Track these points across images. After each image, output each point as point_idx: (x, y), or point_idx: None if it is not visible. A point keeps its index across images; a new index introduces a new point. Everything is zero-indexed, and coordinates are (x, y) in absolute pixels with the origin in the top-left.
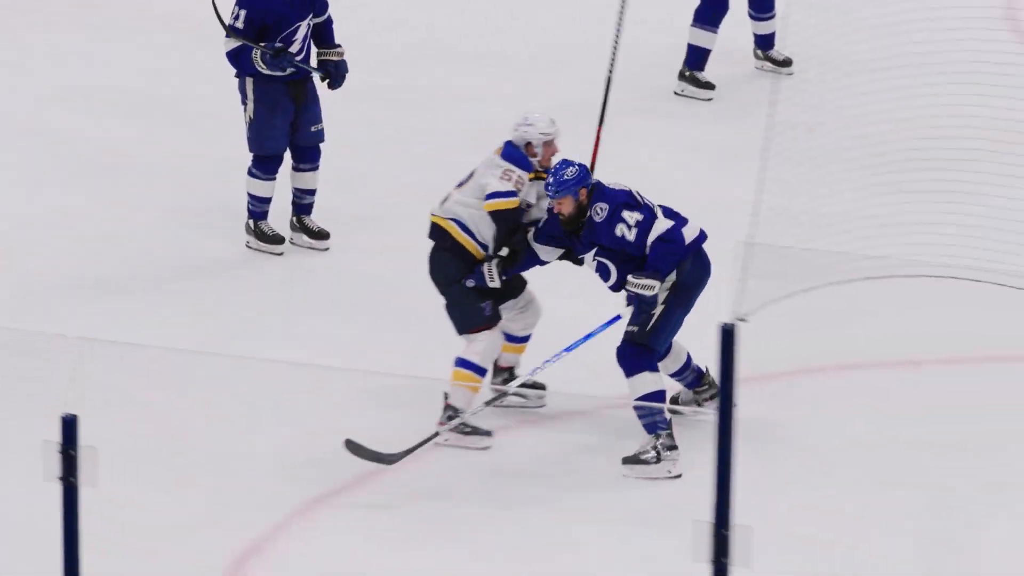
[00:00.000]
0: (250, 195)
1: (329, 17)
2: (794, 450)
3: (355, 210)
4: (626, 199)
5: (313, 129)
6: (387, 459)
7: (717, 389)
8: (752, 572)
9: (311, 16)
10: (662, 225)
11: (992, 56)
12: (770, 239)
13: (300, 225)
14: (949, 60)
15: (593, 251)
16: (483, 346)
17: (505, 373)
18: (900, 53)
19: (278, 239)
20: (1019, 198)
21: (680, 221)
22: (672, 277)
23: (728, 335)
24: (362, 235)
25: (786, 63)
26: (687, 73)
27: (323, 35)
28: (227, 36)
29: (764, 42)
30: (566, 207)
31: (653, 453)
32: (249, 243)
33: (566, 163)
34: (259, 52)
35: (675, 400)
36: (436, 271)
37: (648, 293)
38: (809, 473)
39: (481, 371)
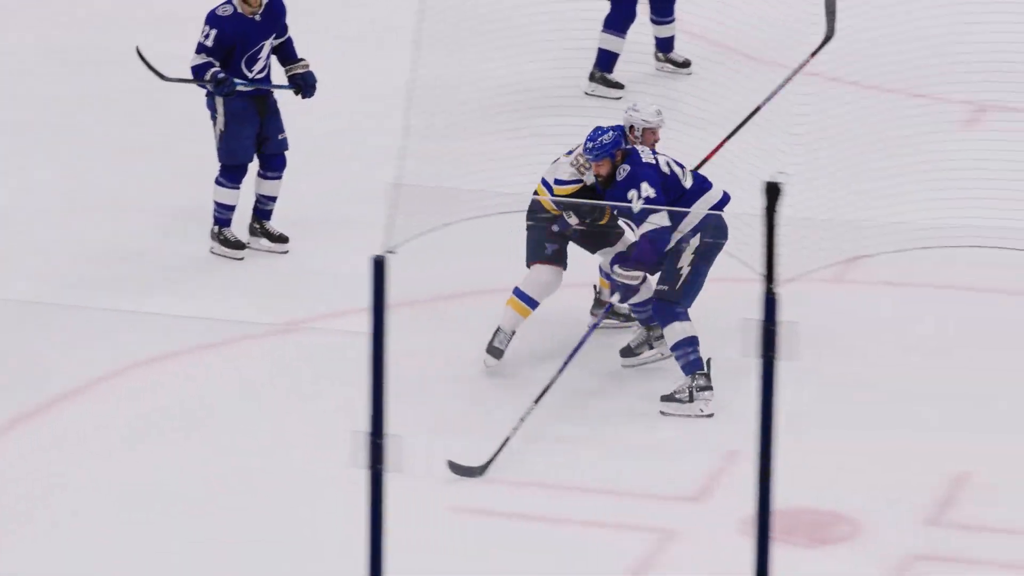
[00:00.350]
0: (217, 203)
1: (289, 37)
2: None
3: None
4: (652, 173)
5: (280, 137)
6: (475, 472)
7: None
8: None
9: (273, 37)
10: (657, 221)
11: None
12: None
13: (262, 230)
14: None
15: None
16: (538, 279)
17: (603, 306)
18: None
19: (240, 245)
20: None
21: (692, 196)
22: (696, 241)
23: (379, 266)
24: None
25: (685, 64)
26: (597, 75)
27: (286, 53)
28: (195, 52)
29: (664, 45)
30: (604, 168)
31: (687, 393)
32: (213, 248)
33: (601, 129)
34: (211, 72)
35: (628, 348)
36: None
37: (634, 283)
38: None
39: (532, 303)
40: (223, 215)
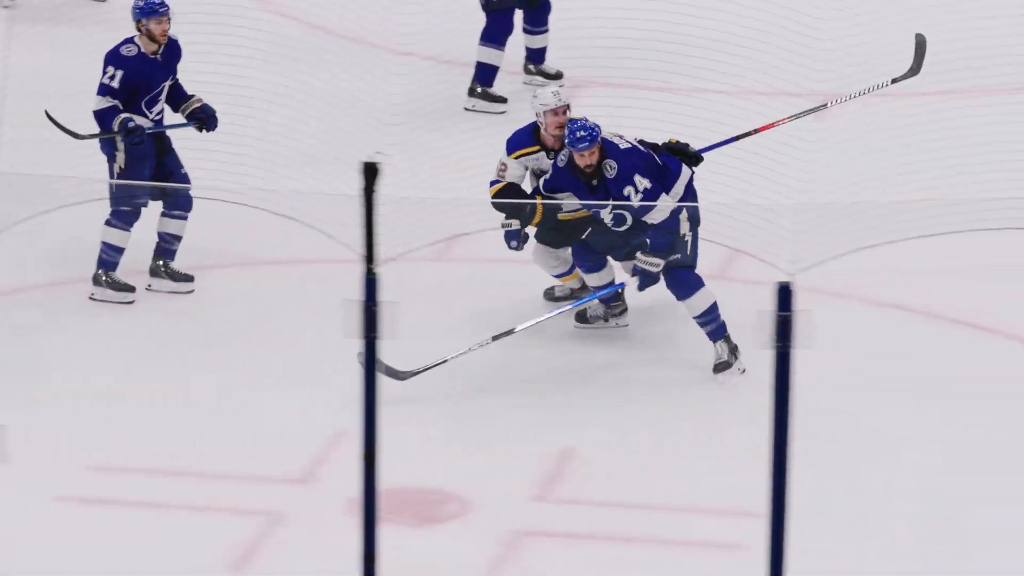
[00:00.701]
0: (108, 245)
1: (176, 78)
2: None
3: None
4: (638, 162)
5: (182, 172)
6: (401, 375)
7: (626, 306)
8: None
9: (171, 77)
10: (665, 209)
11: None
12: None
13: (165, 270)
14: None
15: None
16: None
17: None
18: None
19: (129, 288)
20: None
21: (671, 179)
22: (686, 213)
23: None
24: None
25: (557, 75)
26: (478, 89)
27: (177, 92)
28: (96, 94)
29: (536, 56)
30: (593, 157)
31: (729, 356)
32: (94, 295)
33: (576, 121)
34: (121, 119)
35: (583, 314)
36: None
37: (655, 270)
38: None
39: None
40: (112, 258)
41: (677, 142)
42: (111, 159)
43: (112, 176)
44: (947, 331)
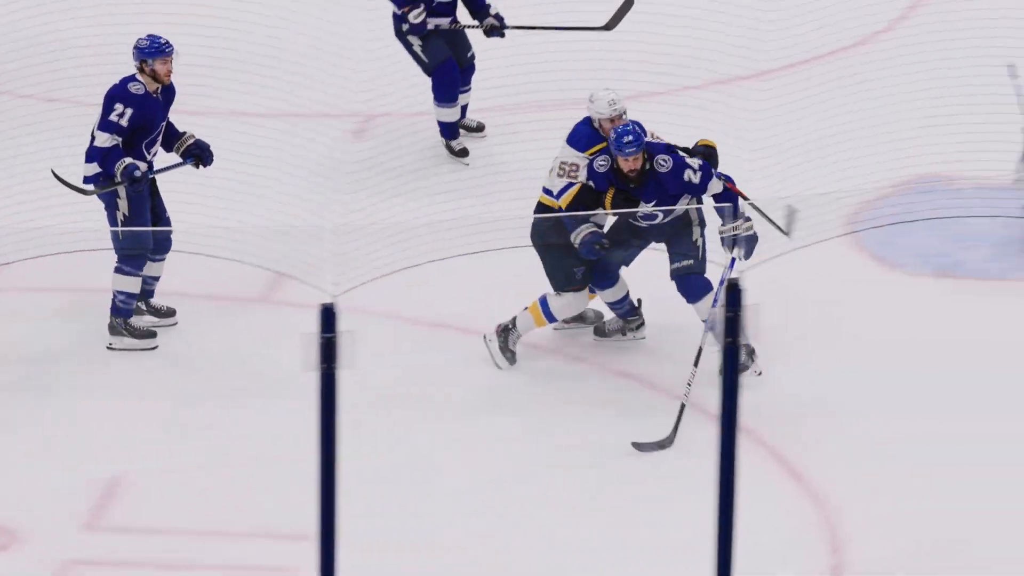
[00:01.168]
0: (122, 293)
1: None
2: None
3: None
4: (679, 155)
5: (167, 216)
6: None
7: (643, 320)
8: None
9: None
10: (717, 183)
11: None
12: None
13: (148, 308)
14: None
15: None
16: (564, 303)
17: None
18: None
19: (151, 334)
20: None
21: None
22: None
23: None
24: None
25: (479, 128)
26: (445, 143)
27: (170, 131)
28: (100, 130)
29: (448, 131)
30: (638, 162)
31: (746, 358)
32: (113, 344)
33: (628, 124)
34: (124, 164)
35: (602, 328)
36: (536, 235)
37: (750, 232)
38: None
39: (552, 318)
40: (127, 305)
41: (706, 144)
42: (112, 207)
43: (115, 223)
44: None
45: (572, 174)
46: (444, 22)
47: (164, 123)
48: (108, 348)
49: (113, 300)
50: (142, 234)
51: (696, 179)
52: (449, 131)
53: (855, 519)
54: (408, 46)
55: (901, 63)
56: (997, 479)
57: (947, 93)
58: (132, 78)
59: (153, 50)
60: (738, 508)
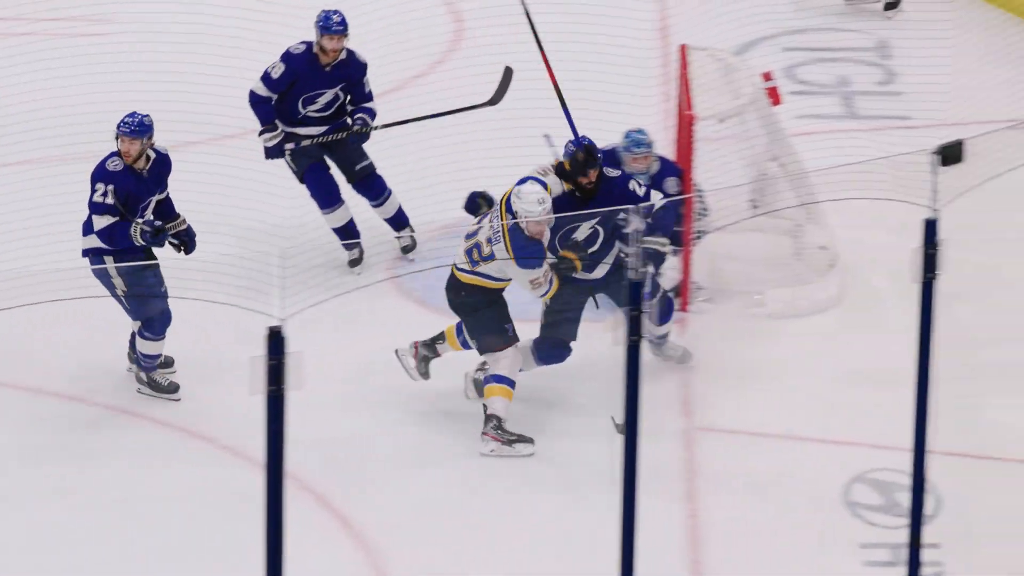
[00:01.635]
0: (146, 355)
1: (168, 194)
2: None
3: None
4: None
5: (164, 288)
6: None
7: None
8: None
9: (158, 192)
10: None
11: None
12: None
13: (149, 380)
14: None
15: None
16: (508, 361)
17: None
18: None
19: (173, 387)
20: None
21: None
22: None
23: None
24: None
25: (406, 248)
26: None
27: (166, 209)
28: (93, 214)
29: (398, 221)
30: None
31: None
32: (141, 390)
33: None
34: (138, 229)
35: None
36: (459, 305)
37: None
38: None
39: (512, 383)
40: (151, 363)
41: None
42: (109, 286)
43: (121, 300)
44: None
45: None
46: (315, 132)
47: (155, 196)
48: (138, 392)
49: (137, 356)
50: (150, 302)
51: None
52: (339, 235)
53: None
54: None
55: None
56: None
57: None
58: (112, 155)
59: (123, 129)
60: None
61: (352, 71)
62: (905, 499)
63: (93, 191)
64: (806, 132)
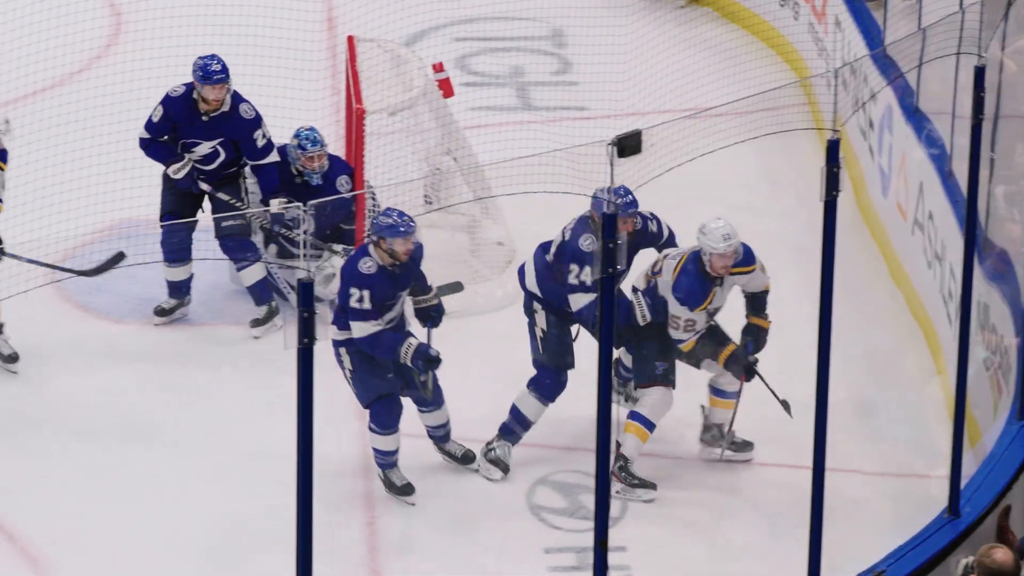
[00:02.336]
0: (378, 452)
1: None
2: None
3: None
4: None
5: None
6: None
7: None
8: None
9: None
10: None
11: None
12: None
13: (442, 451)
14: None
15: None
16: (652, 400)
17: (714, 429)
18: None
19: (408, 489)
20: None
21: None
22: None
23: None
24: None
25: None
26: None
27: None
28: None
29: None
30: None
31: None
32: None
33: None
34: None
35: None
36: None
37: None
38: None
39: (650, 425)
40: (387, 460)
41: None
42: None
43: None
44: None
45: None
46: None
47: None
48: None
49: (375, 454)
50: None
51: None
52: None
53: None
54: None
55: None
56: None
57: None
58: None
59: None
60: None
61: (234, 128)
62: (590, 501)
63: (347, 295)
64: (480, 125)
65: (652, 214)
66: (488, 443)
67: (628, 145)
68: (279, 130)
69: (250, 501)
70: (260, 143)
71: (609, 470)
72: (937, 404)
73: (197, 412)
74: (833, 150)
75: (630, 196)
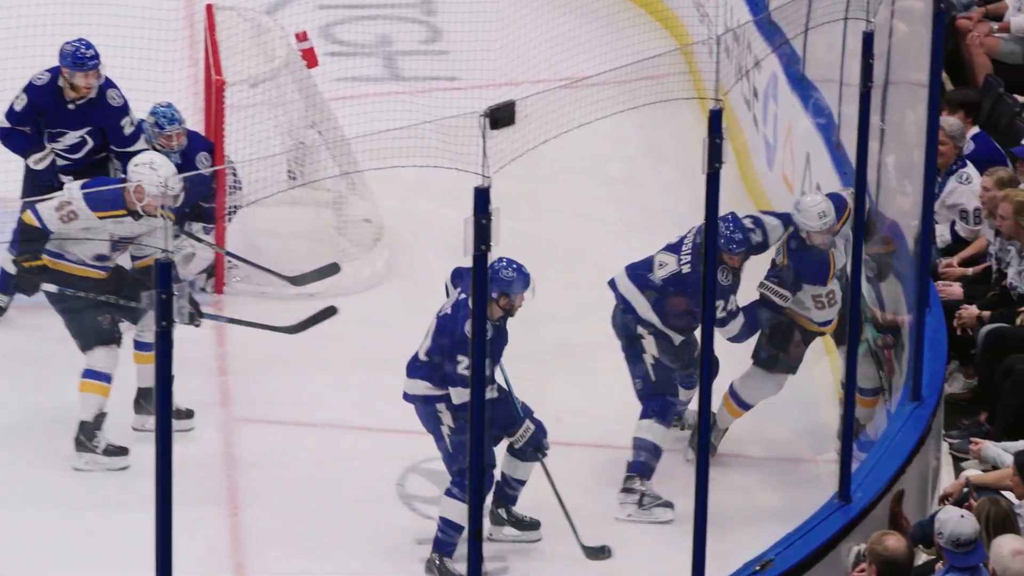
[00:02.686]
0: (447, 523)
1: None
2: None
3: None
4: None
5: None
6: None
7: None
8: None
9: None
10: None
11: None
12: None
13: (508, 516)
14: None
15: None
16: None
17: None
18: None
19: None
20: None
21: None
22: None
23: None
24: None
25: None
26: None
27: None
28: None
29: None
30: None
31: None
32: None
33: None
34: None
35: None
36: None
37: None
38: None
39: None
40: (450, 537)
41: None
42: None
43: (441, 439)
44: None
45: None
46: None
47: None
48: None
49: (441, 526)
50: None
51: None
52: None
53: None
54: None
55: None
56: None
57: None
58: None
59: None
60: None
61: (103, 114)
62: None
63: (456, 362)
64: (346, 96)
65: (754, 220)
66: (634, 491)
67: (501, 117)
68: (135, 104)
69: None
70: (128, 131)
71: (483, 454)
72: (826, 385)
73: None
74: (715, 120)
75: (738, 235)
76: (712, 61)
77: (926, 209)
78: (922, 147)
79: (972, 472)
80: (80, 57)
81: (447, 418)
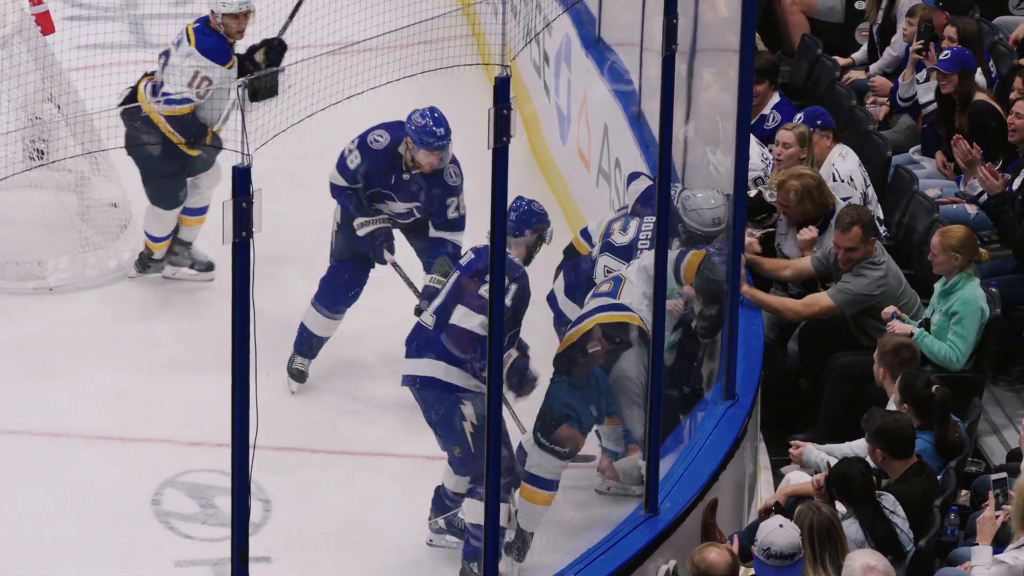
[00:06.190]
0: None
1: None
2: None
3: None
4: None
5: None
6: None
7: None
8: None
9: None
10: None
11: None
12: None
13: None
14: None
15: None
16: None
17: None
18: None
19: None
20: None
21: None
22: None
23: None
24: None
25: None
26: None
27: None
28: None
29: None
30: None
31: None
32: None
33: None
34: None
35: None
36: None
37: None
38: None
39: None
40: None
41: None
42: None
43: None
44: None
45: None
46: None
47: None
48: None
49: (466, 538)
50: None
51: None
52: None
53: None
54: None
55: None
56: None
57: None
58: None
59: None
60: None
61: (437, 189)
62: (226, 505)
63: None
64: (88, 66)
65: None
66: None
67: (262, 87)
68: None
69: None
70: (451, 215)
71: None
72: None
73: None
74: (502, 88)
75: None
76: (498, 23)
77: (738, 189)
78: (734, 117)
79: (795, 476)
80: (430, 134)
81: (469, 411)
